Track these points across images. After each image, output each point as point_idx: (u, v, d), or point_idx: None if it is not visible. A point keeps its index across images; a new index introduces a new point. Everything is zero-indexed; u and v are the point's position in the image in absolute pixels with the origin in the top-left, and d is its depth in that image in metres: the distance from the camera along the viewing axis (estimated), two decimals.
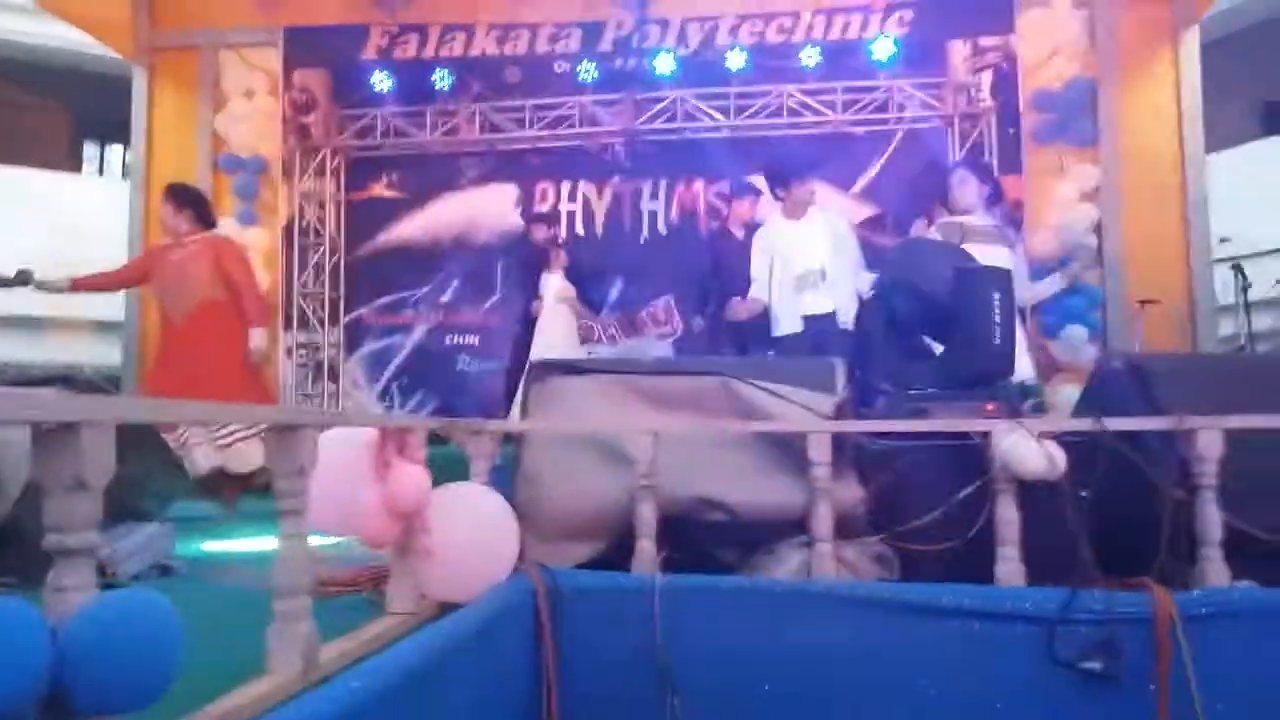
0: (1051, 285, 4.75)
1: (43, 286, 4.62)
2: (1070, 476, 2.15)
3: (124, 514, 2.74)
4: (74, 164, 12.22)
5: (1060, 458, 2.12)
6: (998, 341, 2.66)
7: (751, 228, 5.73)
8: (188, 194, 4.78)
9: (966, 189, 4.23)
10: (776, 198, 4.79)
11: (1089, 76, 6.55)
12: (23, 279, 4.55)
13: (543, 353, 5.68)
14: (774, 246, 4.61)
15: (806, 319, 4.48)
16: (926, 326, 2.88)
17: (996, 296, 2.67)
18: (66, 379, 2.91)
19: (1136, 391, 2.34)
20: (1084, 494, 2.19)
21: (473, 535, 2.03)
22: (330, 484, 1.72)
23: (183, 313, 4.47)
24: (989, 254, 3.86)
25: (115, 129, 10.10)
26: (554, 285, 6.14)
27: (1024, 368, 3.85)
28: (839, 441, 2.35)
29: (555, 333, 6.08)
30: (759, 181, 5.83)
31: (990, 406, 2.52)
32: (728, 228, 5.89)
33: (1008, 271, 2.83)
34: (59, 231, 9.07)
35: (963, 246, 3.77)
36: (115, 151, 12.46)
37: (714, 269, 5.74)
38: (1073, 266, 4.45)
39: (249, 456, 4.15)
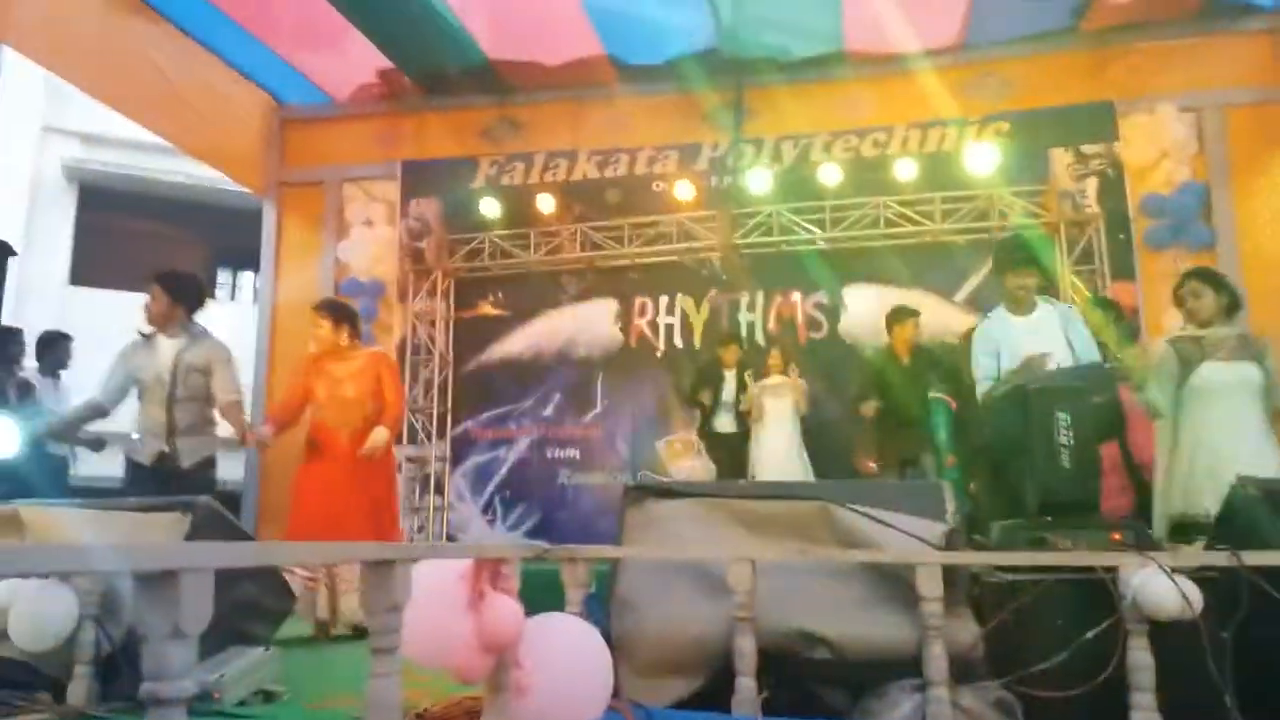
0: None
1: (261, 442, 4.74)
2: (1208, 616, 1.97)
3: (233, 638, 2.79)
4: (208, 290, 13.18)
5: (1196, 595, 1.95)
6: (1066, 465, 2.47)
7: (915, 350, 5.83)
8: (345, 310, 4.88)
9: (1203, 301, 3.93)
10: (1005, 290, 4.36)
11: (1200, 180, 6.36)
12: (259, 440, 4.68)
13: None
14: (1002, 342, 4.20)
15: None
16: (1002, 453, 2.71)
17: (1063, 416, 2.50)
18: (187, 503, 3.02)
19: (1274, 520, 2.15)
20: (1224, 635, 2.00)
21: (567, 671, 1.97)
22: (423, 616, 1.72)
23: (348, 428, 4.54)
24: (1233, 373, 3.73)
25: (246, 256, 10.84)
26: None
27: None
28: (952, 573, 2.23)
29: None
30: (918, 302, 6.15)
31: (1116, 536, 2.36)
32: (894, 350, 5.90)
33: (1081, 389, 2.61)
34: None
35: (1201, 366, 3.74)
36: (246, 278, 13.36)
37: (881, 391, 5.77)
38: None
39: None
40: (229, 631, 2.72)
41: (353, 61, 7.28)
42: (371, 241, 7.67)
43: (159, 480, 4.34)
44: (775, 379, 6.41)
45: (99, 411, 4.48)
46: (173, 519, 2.84)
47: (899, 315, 5.91)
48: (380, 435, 4.50)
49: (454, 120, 7.79)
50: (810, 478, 6.13)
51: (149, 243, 12.59)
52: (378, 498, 4.64)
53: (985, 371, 4.12)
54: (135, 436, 4.51)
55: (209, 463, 4.59)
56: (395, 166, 7.73)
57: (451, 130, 7.79)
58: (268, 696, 2.65)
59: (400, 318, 7.55)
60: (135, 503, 2.94)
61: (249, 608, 2.96)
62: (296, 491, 4.69)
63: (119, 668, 2.47)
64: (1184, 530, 3.61)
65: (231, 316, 11.20)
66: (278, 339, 7.65)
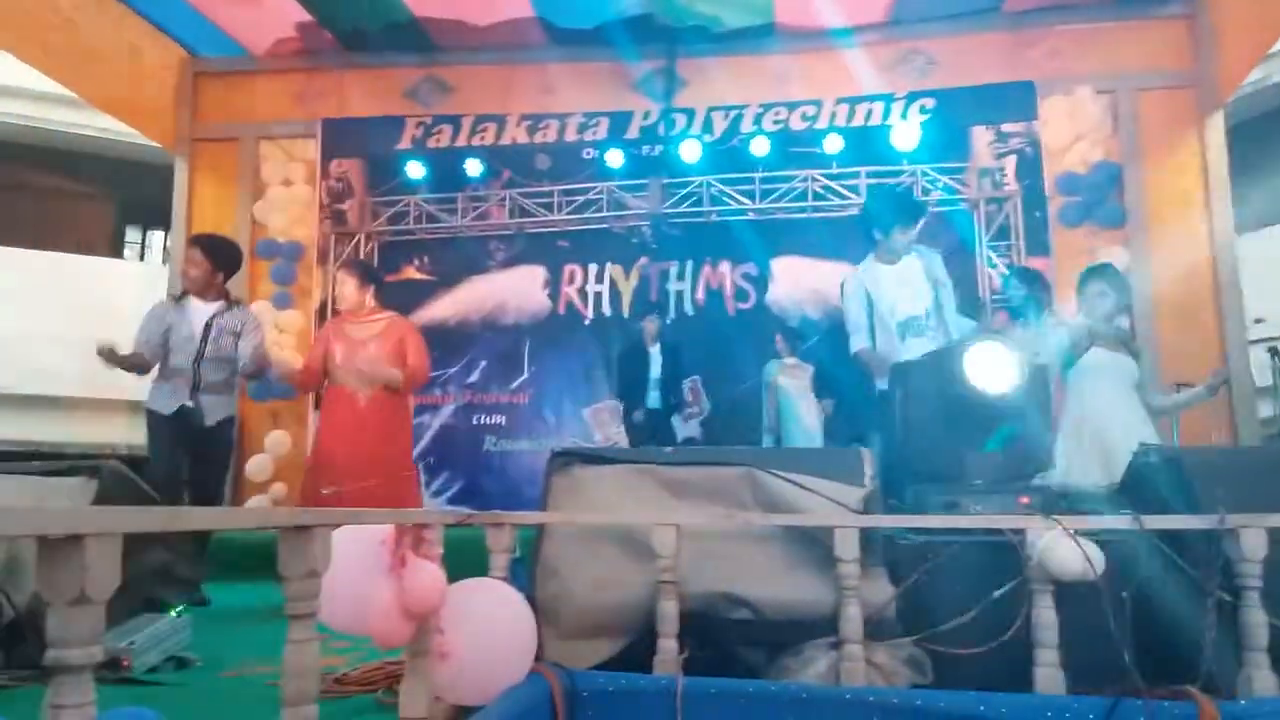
0: (1195, 396, 4.62)
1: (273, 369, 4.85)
2: (1110, 577, 2.06)
3: (144, 604, 2.71)
4: (115, 249, 12.58)
5: (1098, 557, 2.04)
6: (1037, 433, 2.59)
7: None
8: (371, 271, 4.85)
9: (1106, 301, 4.28)
10: (875, 241, 4.40)
11: (1114, 160, 6.58)
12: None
13: None
14: (873, 292, 4.26)
15: None
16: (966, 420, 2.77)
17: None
18: (94, 467, 2.92)
19: (1175, 487, 2.26)
20: (1124, 595, 2.10)
21: (488, 636, 1.97)
22: (343, 581, 1.69)
23: (368, 392, 4.48)
24: (1115, 361, 4.14)
25: (157, 214, 10.42)
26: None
27: None
28: (868, 536, 2.29)
29: None
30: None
31: (1025, 500, 2.44)
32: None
33: (1043, 368, 2.75)
34: (97, 314, 9.29)
35: (1090, 350, 4.14)
36: (156, 237, 12.83)
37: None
38: (1220, 375, 4.36)
39: None
40: (140, 598, 2.65)
41: (270, 14, 7.00)
42: (290, 202, 7.44)
43: (182, 433, 4.42)
44: (790, 359, 6.58)
45: (144, 367, 4.51)
46: (78, 483, 2.75)
47: None
48: (393, 374, 4.45)
49: (377, 79, 7.58)
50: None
51: (54, 199, 11.98)
52: (394, 461, 4.57)
53: (857, 324, 4.22)
54: (155, 390, 4.54)
55: (230, 421, 4.69)
56: (315, 125, 7.49)
57: (374, 89, 7.57)
58: (180, 664, 2.59)
59: (320, 281, 7.36)
60: (39, 466, 2.84)
61: (161, 574, 2.89)
62: (314, 458, 4.71)
63: (23, 634, 2.38)
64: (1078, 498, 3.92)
65: (141, 276, 10.78)
66: None
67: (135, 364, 4.46)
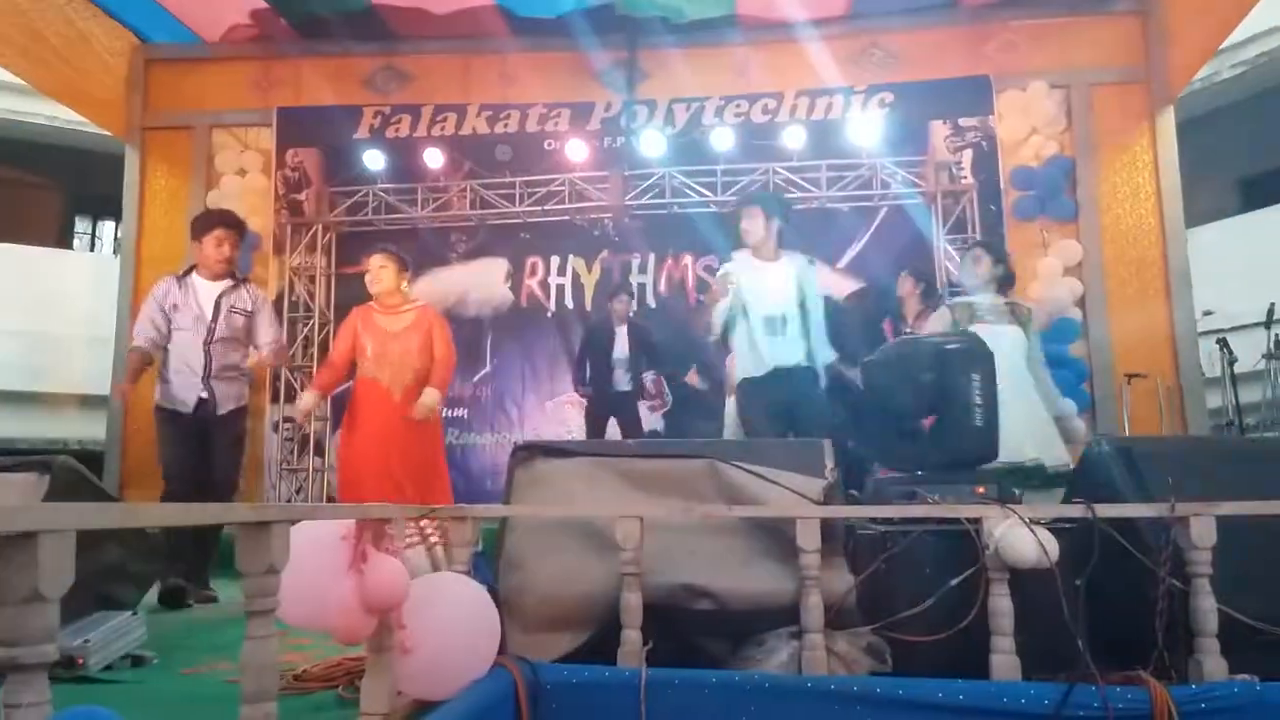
0: (1065, 407, 4.64)
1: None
2: (1064, 564, 2.11)
3: (97, 602, 2.66)
4: (64, 240, 12.26)
5: (1053, 545, 2.08)
6: (979, 424, 2.62)
7: None
8: (405, 260, 4.74)
9: (980, 268, 4.31)
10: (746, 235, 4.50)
11: (1067, 155, 6.69)
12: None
13: None
14: (744, 286, 4.34)
15: (775, 366, 4.22)
16: (912, 409, 2.82)
17: (976, 378, 2.64)
18: (45, 462, 2.85)
19: (1127, 475, 2.31)
20: (1078, 583, 2.15)
21: (451, 630, 1.96)
22: (302, 577, 1.67)
23: (401, 386, 4.44)
24: (994, 332, 3.98)
25: (107, 205, 10.17)
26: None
27: (1044, 447, 3.92)
28: (829, 527, 2.31)
29: None
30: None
31: (980, 490, 2.49)
32: None
33: (990, 353, 2.78)
34: (46, 306, 9.08)
35: (970, 328, 4.00)
36: (106, 228, 12.54)
37: None
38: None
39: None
40: (94, 596, 2.60)
41: (224, 1, 6.87)
42: (244, 191, 7.30)
43: (197, 427, 4.29)
44: None
45: (148, 360, 4.35)
46: (29, 479, 2.69)
47: None
48: (432, 397, 4.41)
49: (334, 67, 7.46)
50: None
51: (0, 188, 11.67)
52: (427, 459, 4.52)
53: (721, 311, 4.32)
54: (167, 382, 4.36)
55: (242, 412, 4.51)
56: (270, 113, 7.35)
57: (331, 77, 7.45)
58: (136, 661, 2.55)
59: (276, 272, 7.24)
60: None
61: (115, 571, 2.83)
62: (345, 454, 4.60)
63: None
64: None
65: (91, 268, 10.51)
66: (141, 293, 7.21)
67: (140, 365, 4.32)
